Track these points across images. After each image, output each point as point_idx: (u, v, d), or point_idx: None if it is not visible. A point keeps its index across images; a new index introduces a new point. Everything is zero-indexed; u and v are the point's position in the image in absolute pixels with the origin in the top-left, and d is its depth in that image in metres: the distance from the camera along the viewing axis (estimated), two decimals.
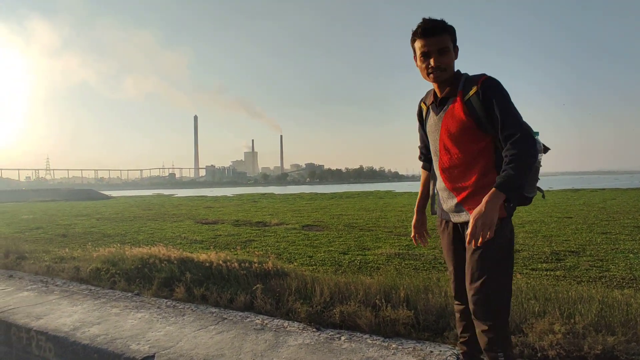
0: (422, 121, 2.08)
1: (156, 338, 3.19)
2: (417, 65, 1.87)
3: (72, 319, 3.69)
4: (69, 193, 48.81)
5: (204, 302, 4.28)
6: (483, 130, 1.78)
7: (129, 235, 10.52)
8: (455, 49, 1.84)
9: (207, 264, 4.95)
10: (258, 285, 4.22)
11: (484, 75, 1.76)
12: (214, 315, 3.83)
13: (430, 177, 2.25)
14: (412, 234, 2.40)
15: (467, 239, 1.64)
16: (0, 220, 16.09)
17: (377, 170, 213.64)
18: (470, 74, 1.86)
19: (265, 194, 42.44)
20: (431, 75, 1.82)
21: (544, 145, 1.81)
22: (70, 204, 30.22)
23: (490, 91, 1.72)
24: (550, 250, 6.79)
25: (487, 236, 1.59)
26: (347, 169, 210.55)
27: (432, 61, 1.79)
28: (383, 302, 3.54)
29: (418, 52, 1.83)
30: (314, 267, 6.18)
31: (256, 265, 4.79)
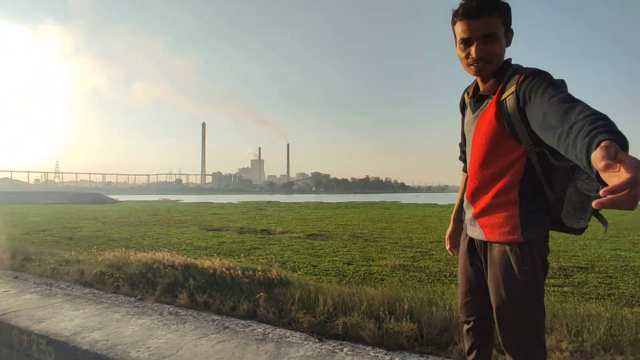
0: (463, 114, 1.77)
1: (156, 346, 3.17)
2: (457, 53, 1.49)
3: (73, 323, 3.68)
4: (76, 196, 49.30)
5: (206, 309, 4.25)
6: (516, 140, 1.42)
7: (134, 239, 10.55)
8: (509, 33, 1.43)
9: (211, 271, 4.94)
10: (261, 294, 4.19)
11: (531, 69, 1.36)
12: (216, 323, 3.80)
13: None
14: (447, 245, 2.11)
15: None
16: (9, 221, 16.25)
17: (384, 180, 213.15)
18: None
19: (271, 202, 42.50)
20: (472, 67, 1.46)
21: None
22: (78, 207, 30.47)
23: (531, 86, 1.28)
24: (558, 266, 6.68)
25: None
26: (353, 178, 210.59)
27: (473, 50, 1.42)
28: (387, 314, 3.50)
29: (458, 38, 1.45)
30: (318, 276, 6.13)
31: (260, 273, 4.77)
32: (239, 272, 4.77)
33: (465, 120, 1.69)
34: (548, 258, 1.55)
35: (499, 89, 1.45)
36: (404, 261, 7.46)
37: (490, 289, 1.57)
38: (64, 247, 8.82)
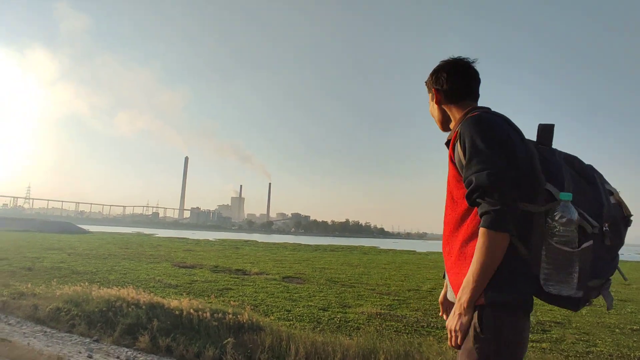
0: None
1: None
2: None
3: None
4: (44, 224, 47.11)
5: (168, 354, 3.94)
6: None
7: (100, 273, 9.99)
8: (438, 93, 1.55)
9: (178, 312, 4.64)
10: (229, 339, 3.93)
11: (472, 112, 1.43)
12: None
13: None
14: (441, 311, 1.70)
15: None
16: None
17: (363, 225, 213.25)
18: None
19: (249, 240, 41.61)
20: None
21: (580, 214, 1.20)
22: (44, 236, 29.04)
23: (464, 132, 1.34)
24: (536, 320, 6.59)
25: (453, 342, 1.29)
26: (333, 221, 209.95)
27: None
28: None
29: None
30: (291, 322, 5.85)
31: (230, 316, 4.51)
32: (208, 314, 4.50)
33: None
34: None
35: (455, 134, 1.44)
36: (380, 309, 7.25)
37: None
38: (20, 278, 8.23)
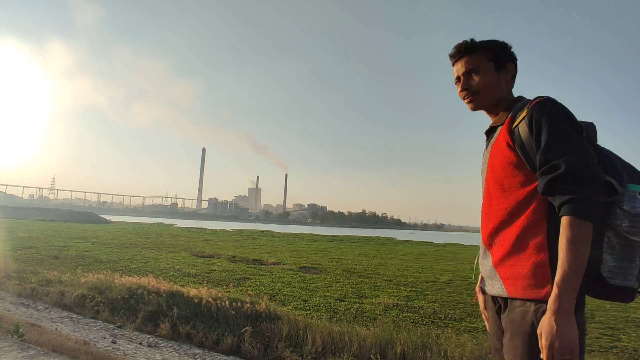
0: None
1: None
2: None
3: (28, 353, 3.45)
4: (69, 214, 48.67)
5: (188, 341, 4.03)
6: (533, 169, 1.27)
7: (122, 262, 10.27)
8: (504, 66, 1.43)
9: (197, 300, 4.73)
10: (247, 328, 3.99)
11: (540, 97, 1.32)
12: (196, 357, 3.58)
13: None
14: (484, 319, 1.58)
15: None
16: None
17: (380, 216, 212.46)
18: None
19: (265, 231, 42.04)
20: (465, 102, 1.49)
21: None
22: (69, 225, 30.00)
23: (541, 113, 1.25)
24: None
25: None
26: (349, 212, 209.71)
27: (459, 87, 1.48)
28: (378, 358, 3.31)
29: (454, 81, 1.52)
30: (308, 312, 5.90)
31: (248, 305, 4.57)
32: (227, 303, 4.57)
33: (483, 161, 1.52)
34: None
35: (509, 118, 1.36)
36: (397, 300, 7.23)
37: None
38: (48, 266, 8.53)
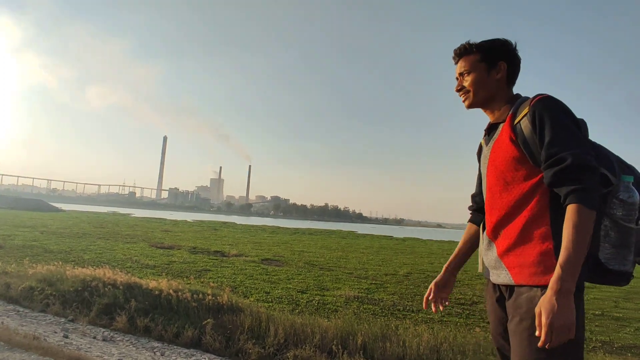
0: (480, 161, 1.70)
1: None
2: None
3: None
4: (15, 201, 45.52)
5: (146, 335, 3.93)
6: (535, 163, 1.35)
7: (74, 253, 9.78)
8: (495, 65, 1.51)
9: (156, 292, 4.61)
10: (209, 320, 3.94)
11: (541, 94, 1.40)
12: (155, 351, 3.50)
13: (477, 233, 1.76)
14: (428, 293, 1.77)
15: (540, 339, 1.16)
16: None
17: (342, 209, 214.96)
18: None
19: (227, 222, 41.40)
20: (462, 99, 1.59)
21: None
22: (14, 213, 28.10)
23: (543, 109, 1.33)
24: None
25: (566, 339, 1.15)
26: (312, 205, 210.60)
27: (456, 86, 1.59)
28: (339, 349, 3.38)
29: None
30: (270, 304, 5.91)
31: (209, 297, 4.51)
32: (188, 295, 4.48)
33: (482, 157, 1.60)
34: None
35: (510, 115, 1.44)
36: (358, 292, 7.39)
37: (513, 347, 1.30)
38: None
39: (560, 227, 1.24)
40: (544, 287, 1.23)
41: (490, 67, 1.52)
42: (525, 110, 1.38)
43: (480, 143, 1.68)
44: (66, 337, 3.66)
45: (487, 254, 1.49)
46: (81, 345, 3.48)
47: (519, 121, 1.39)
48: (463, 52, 1.57)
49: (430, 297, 1.76)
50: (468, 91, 1.55)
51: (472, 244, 1.75)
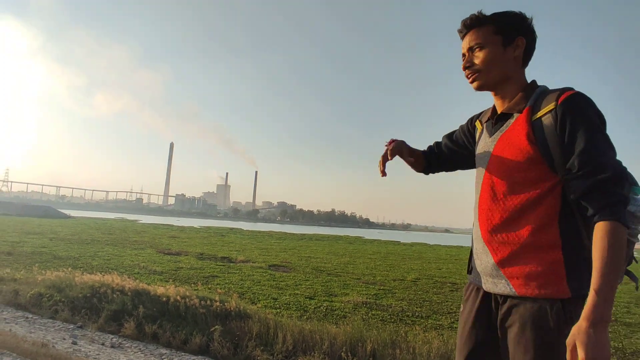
0: (472, 140, 1.54)
1: None
2: None
3: None
4: (24, 208, 46.06)
5: (154, 341, 3.91)
6: (550, 166, 1.20)
7: (83, 259, 9.83)
8: (512, 40, 1.30)
9: (164, 299, 4.60)
10: (217, 327, 3.92)
11: (570, 89, 1.21)
12: (163, 358, 3.48)
13: (420, 159, 1.64)
14: (390, 146, 1.59)
15: None
16: None
17: (349, 215, 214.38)
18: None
19: (234, 228, 41.45)
20: (469, 80, 1.36)
21: None
22: (24, 220, 28.39)
23: (577, 110, 1.17)
24: None
25: None
26: (319, 211, 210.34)
27: (463, 63, 1.36)
28: (349, 356, 3.33)
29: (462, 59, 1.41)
30: (278, 310, 5.87)
31: (217, 304, 4.48)
32: (195, 301, 4.46)
33: (479, 147, 1.44)
34: None
35: (528, 107, 1.26)
36: (366, 298, 7.32)
37: (514, 357, 1.20)
38: (0, 262, 8.04)
39: (570, 237, 1.17)
40: (550, 300, 1.16)
41: (506, 42, 1.31)
42: (551, 106, 1.20)
43: (474, 124, 1.53)
44: (75, 343, 3.66)
45: (481, 258, 1.33)
46: (90, 352, 3.47)
47: (540, 117, 1.22)
48: (474, 22, 1.34)
49: (388, 151, 1.58)
50: (479, 69, 1.33)
51: (418, 161, 1.63)
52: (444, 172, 1.69)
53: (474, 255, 1.38)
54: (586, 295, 1.10)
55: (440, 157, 1.64)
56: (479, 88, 1.36)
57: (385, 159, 1.58)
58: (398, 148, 1.59)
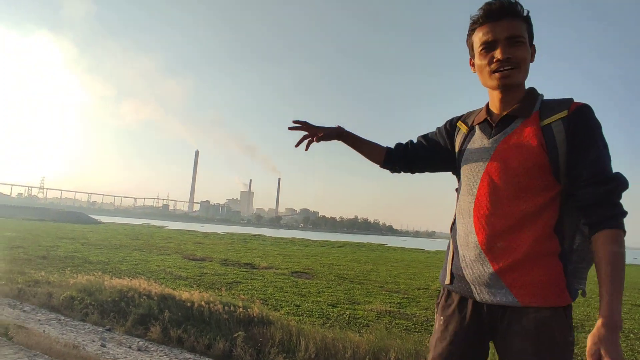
0: (450, 141, 1.48)
1: None
2: (474, 67, 1.32)
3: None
4: (58, 214, 48.04)
5: (179, 346, 3.97)
6: (555, 175, 1.19)
7: (112, 264, 10.13)
8: (532, 45, 1.27)
9: (189, 304, 4.67)
10: (240, 333, 3.94)
11: (578, 102, 1.22)
12: None
13: (379, 154, 1.59)
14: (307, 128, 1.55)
15: None
16: None
17: (372, 222, 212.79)
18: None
19: (257, 235, 41.81)
20: (497, 74, 1.24)
21: None
22: (57, 225, 29.58)
23: (590, 121, 1.17)
24: None
25: None
26: (341, 218, 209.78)
27: (498, 52, 1.22)
28: None
29: (478, 45, 1.26)
30: (301, 317, 5.86)
31: (240, 309, 4.52)
32: (220, 307, 4.52)
33: (471, 148, 1.35)
34: None
35: (536, 112, 1.23)
36: (390, 307, 7.22)
37: None
38: (36, 266, 8.39)
39: (566, 245, 1.22)
40: (553, 308, 1.17)
41: (530, 44, 1.26)
42: (562, 114, 1.19)
43: (455, 124, 1.47)
44: (103, 346, 3.76)
45: (475, 267, 1.25)
46: (117, 354, 3.56)
47: (550, 124, 1.20)
48: (514, 11, 1.22)
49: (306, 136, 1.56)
50: (517, 65, 1.22)
51: (369, 150, 1.59)
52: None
53: (462, 264, 1.30)
54: (575, 299, 1.19)
55: (408, 155, 1.57)
56: (506, 85, 1.26)
57: (313, 135, 1.55)
58: (337, 132, 1.56)
